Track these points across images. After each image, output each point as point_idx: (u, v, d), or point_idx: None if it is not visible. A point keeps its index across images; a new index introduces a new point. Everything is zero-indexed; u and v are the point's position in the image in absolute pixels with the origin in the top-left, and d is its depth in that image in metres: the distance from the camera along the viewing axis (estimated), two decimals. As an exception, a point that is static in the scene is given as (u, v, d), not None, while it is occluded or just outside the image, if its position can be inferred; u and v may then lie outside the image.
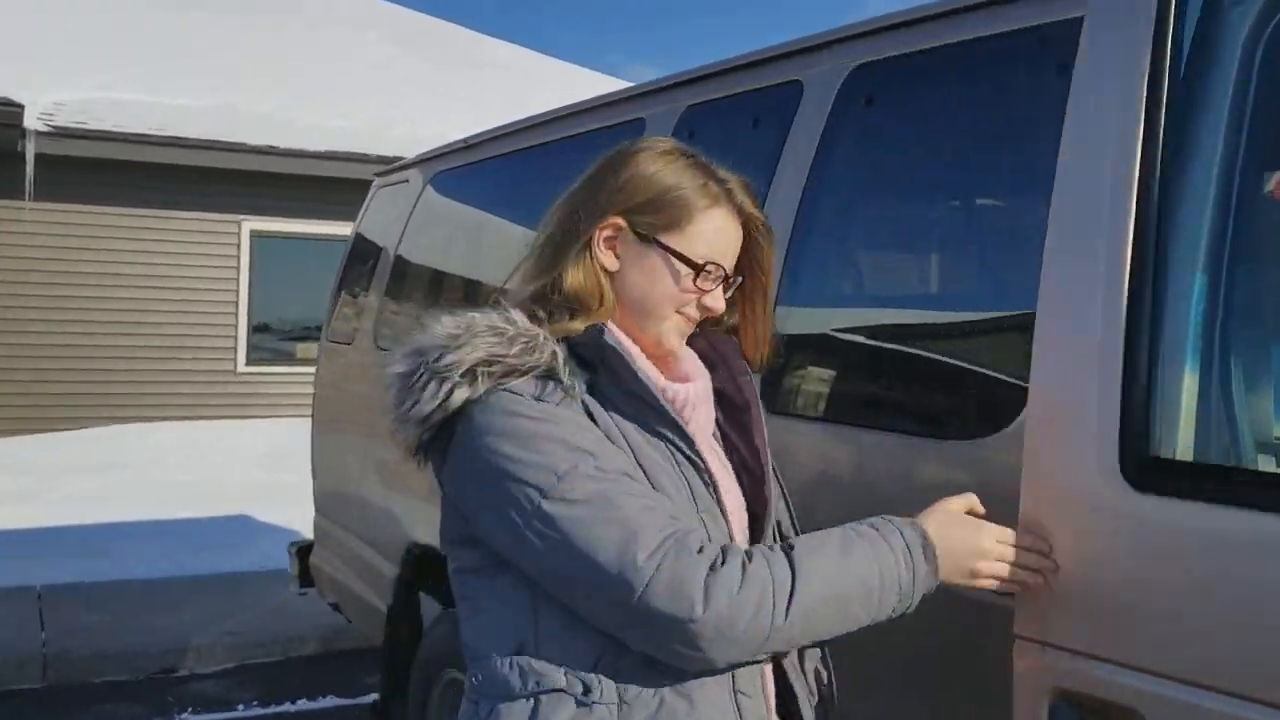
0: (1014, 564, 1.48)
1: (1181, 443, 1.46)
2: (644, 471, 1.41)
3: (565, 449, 1.36)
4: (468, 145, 4.04)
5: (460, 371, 1.40)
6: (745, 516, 1.55)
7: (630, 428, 1.43)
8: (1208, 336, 1.48)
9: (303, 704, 5.12)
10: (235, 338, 11.88)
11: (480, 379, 1.39)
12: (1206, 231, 1.49)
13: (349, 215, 4.93)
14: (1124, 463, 1.45)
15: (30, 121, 10.33)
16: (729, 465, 1.57)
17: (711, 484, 1.47)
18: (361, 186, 4.90)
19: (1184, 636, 1.37)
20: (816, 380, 2.29)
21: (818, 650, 1.61)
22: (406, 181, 4.46)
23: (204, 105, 11.94)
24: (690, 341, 1.59)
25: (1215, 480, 1.42)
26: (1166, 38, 1.51)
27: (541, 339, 1.43)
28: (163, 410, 11.40)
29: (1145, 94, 1.52)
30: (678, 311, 1.51)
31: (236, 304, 11.86)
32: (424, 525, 3.57)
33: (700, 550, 1.32)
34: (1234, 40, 1.52)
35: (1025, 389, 1.69)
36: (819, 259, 2.30)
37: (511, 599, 1.43)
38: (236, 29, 14.96)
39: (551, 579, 1.38)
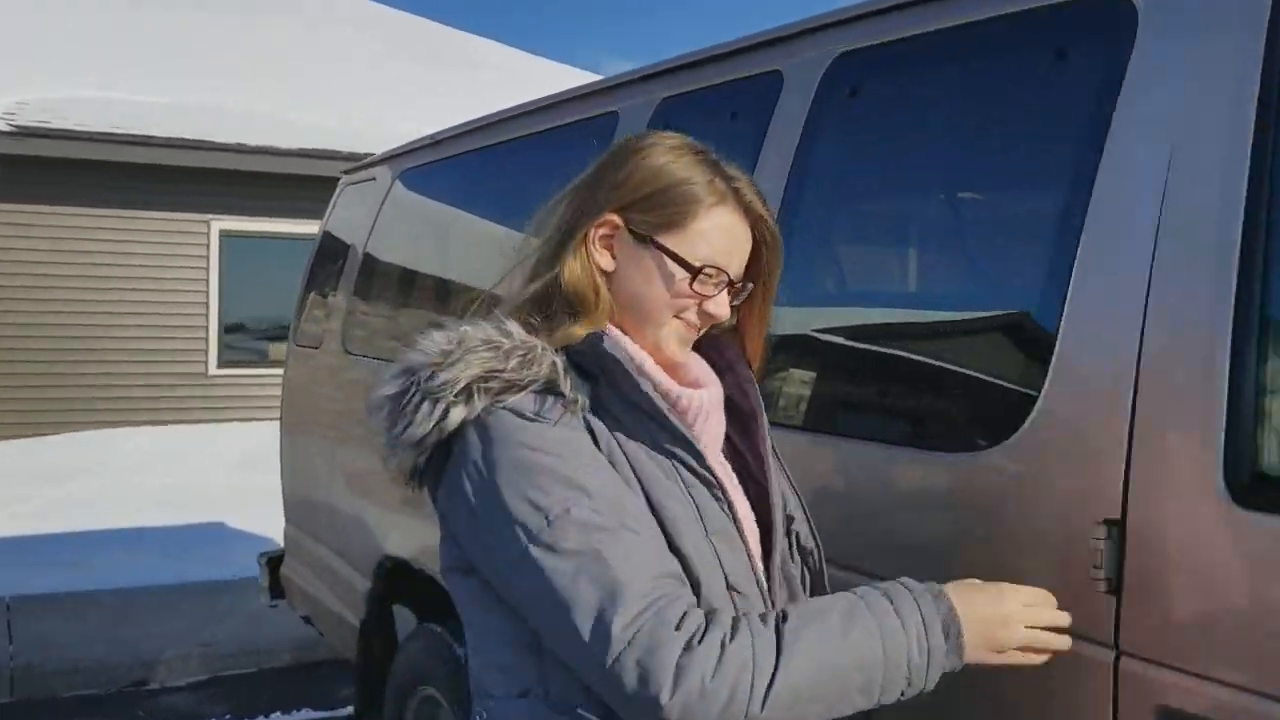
0: (1045, 628, 1.37)
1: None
2: (647, 497, 1.32)
3: (561, 486, 1.27)
4: (436, 141, 3.93)
5: (455, 390, 1.31)
6: (756, 530, 1.46)
7: (634, 446, 1.35)
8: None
9: (276, 717, 5.01)
10: (206, 340, 11.74)
11: (477, 396, 1.31)
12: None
13: (321, 214, 4.83)
14: (1229, 479, 1.36)
15: (-8, 122, 10.19)
16: (734, 476, 1.49)
17: (725, 500, 1.38)
18: (333, 184, 4.79)
19: None
20: (799, 384, 2.18)
21: None
22: (374, 179, 4.34)
23: (174, 103, 11.79)
24: (696, 346, 1.50)
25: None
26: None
27: (540, 350, 1.34)
28: (133, 415, 11.24)
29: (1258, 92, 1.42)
30: (677, 317, 1.42)
31: (207, 306, 11.72)
32: (397, 537, 3.46)
33: (679, 625, 1.22)
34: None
35: (1028, 397, 1.60)
36: (802, 260, 2.19)
37: (511, 637, 1.35)
38: (234, 28, 14.86)
39: (530, 618, 1.30)
